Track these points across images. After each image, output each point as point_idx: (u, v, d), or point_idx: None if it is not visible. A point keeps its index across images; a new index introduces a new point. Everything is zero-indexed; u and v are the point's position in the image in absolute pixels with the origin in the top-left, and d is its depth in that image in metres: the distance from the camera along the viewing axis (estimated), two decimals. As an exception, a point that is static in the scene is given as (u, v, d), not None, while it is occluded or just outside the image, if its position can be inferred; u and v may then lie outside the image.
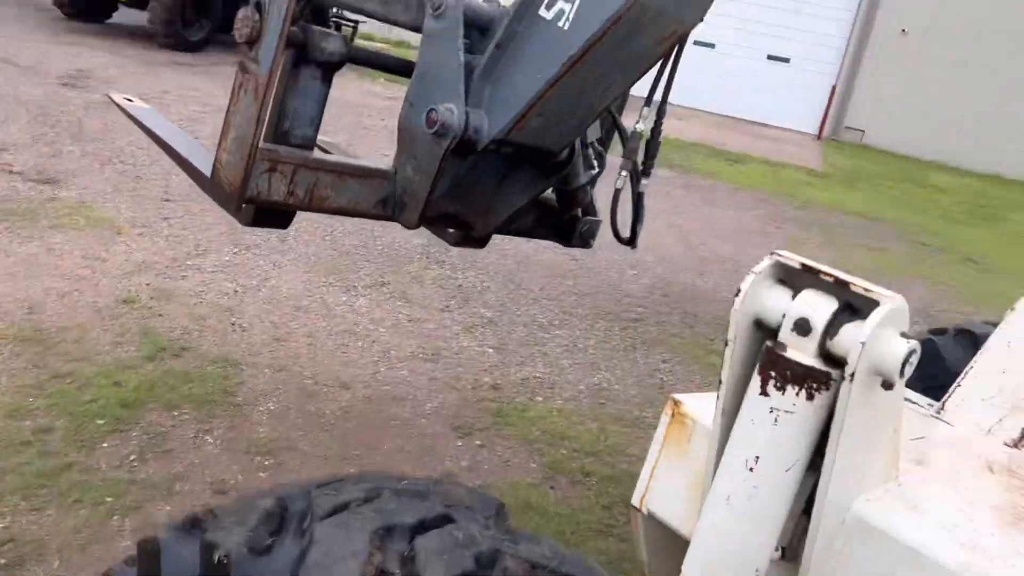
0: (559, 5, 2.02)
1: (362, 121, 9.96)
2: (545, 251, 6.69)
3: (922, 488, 1.43)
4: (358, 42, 2.83)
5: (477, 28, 2.08)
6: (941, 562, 1.21)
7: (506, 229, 2.75)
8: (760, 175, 12.65)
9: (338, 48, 2.00)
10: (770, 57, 21.34)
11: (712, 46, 21.45)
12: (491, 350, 4.62)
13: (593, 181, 2.76)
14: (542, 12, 2.02)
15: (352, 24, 3.87)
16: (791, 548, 1.32)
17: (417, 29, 2.08)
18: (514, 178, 2.46)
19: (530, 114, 2.07)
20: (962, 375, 2.03)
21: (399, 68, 2.34)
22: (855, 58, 20.67)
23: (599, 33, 1.94)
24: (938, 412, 1.96)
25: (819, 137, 20.48)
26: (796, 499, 1.28)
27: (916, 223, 11.34)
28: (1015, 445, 1.85)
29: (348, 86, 11.07)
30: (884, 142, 20.60)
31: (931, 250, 9.80)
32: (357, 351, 4.31)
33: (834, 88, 20.86)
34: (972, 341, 2.45)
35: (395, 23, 2.14)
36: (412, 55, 2.16)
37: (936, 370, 2.41)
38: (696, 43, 21.02)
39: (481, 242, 2.57)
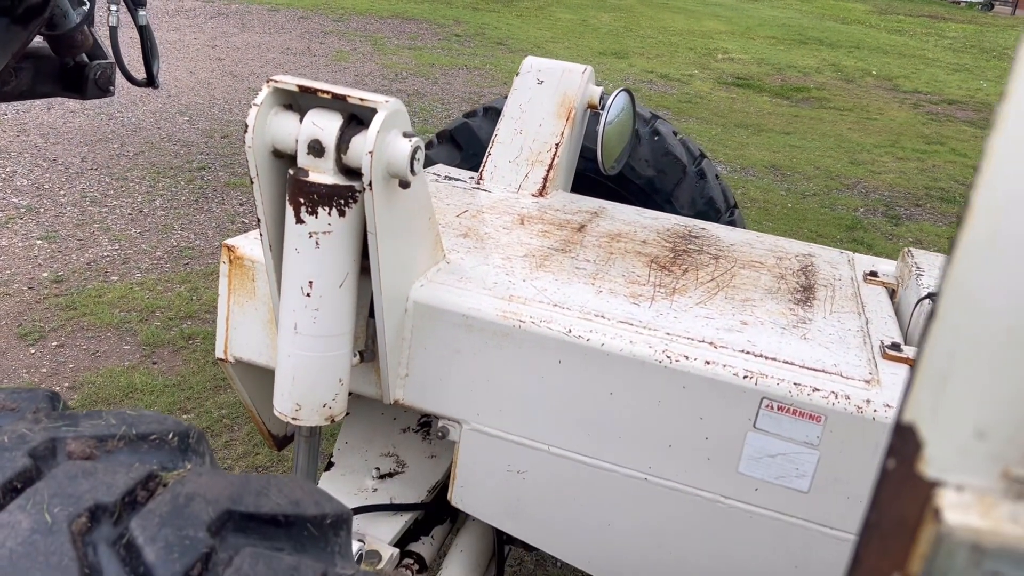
0: None
1: None
2: (75, 116, 5.88)
3: (467, 259, 1.60)
4: None
5: None
6: (487, 318, 1.39)
7: None
8: (292, -9, 12.19)
9: None
10: None
11: None
12: (40, 241, 4.06)
13: (88, 19, 2.45)
14: None
15: None
16: (368, 350, 1.42)
17: None
18: (-17, 35, 2.10)
19: None
20: (490, 144, 2.26)
21: None
22: None
23: None
24: (477, 183, 2.19)
25: (342, -57, 20.08)
26: (359, 307, 1.36)
27: (446, 15, 11.98)
28: (539, 194, 2.15)
29: None
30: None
31: (464, 40, 10.50)
32: None
33: None
34: (498, 115, 2.67)
35: None
36: None
37: (477, 148, 2.65)
38: None
39: None
